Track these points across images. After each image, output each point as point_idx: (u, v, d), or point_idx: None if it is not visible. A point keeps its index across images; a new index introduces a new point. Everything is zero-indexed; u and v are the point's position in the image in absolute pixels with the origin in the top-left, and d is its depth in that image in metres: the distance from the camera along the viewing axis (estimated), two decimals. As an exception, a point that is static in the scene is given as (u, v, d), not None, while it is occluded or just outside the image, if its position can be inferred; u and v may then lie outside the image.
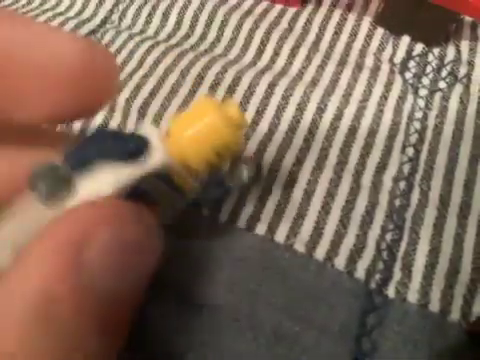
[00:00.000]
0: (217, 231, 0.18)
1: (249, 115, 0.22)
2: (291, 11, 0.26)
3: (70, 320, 0.12)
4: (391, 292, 0.18)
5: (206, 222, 0.19)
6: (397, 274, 0.18)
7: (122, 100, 0.23)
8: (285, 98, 0.22)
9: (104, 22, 0.27)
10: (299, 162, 0.20)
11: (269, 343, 0.17)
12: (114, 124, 0.22)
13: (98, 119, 0.22)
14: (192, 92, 0.22)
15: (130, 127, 0.22)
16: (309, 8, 0.26)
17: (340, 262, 0.18)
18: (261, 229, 0.19)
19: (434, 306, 0.18)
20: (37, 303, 0.12)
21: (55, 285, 0.12)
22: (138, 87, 0.23)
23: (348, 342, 0.17)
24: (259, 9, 0.26)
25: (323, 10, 0.26)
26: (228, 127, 0.14)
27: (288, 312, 0.17)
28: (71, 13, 0.27)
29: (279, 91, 0.22)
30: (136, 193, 0.13)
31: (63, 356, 0.12)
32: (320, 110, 0.22)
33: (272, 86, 0.22)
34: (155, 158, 0.13)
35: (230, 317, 0.17)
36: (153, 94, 0.23)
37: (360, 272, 0.18)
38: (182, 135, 0.14)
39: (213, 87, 0.22)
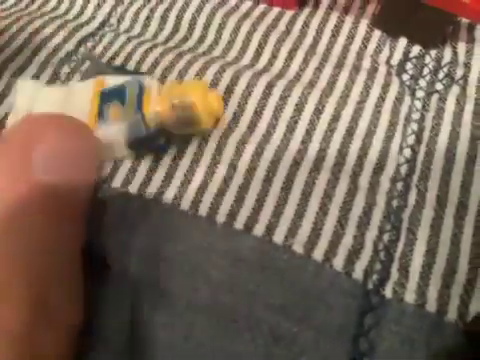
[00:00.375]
0: (215, 233, 0.18)
1: (247, 115, 0.22)
2: (288, 14, 0.26)
3: (30, 214, 0.15)
4: (388, 292, 0.18)
5: (204, 224, 0.19)
6: (394, 274, 0.18)
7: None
8: (283, 98, 0.22)
9: (102, 25, 0.27)
10: (297, 163, 0.21)
11: (267, 344, 0.17)
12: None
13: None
14: None
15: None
16: (306, 11, 0.26)
17: (338, 263, 0.19)
18: (259, 230, 0.19)
19: (431, 306, 0.18)
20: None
21: (15, 183, 0.15)
22: None
23: (346, 342, 0.17)
24: (257, 12, 0.26)
25: (320, 13, 0.26)
26: (207, 113, 0.20)
27: (286, 313, 0.17)
28: (70, 16, 0.27)
29: (277, 92, 0.22)
30: None
31: (27, 250, 0.14)
32: (318, 111, 0.22)
33: (270, 87, 0.22)
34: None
35: (229, 318, 0.17)
36: None
37: (358, 273, 0.18)
38: (168, 102, 0.20)
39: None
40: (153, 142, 0.20)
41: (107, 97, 0.20)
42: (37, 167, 0.15)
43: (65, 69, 0.24)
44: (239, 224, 0.19)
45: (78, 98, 0.21)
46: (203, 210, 0.20)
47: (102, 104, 0.20)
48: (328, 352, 0.17)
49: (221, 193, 0.20)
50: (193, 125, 0.20)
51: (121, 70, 0.23)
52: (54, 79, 0.24)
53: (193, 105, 0.19)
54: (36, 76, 0.24)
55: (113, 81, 0.21)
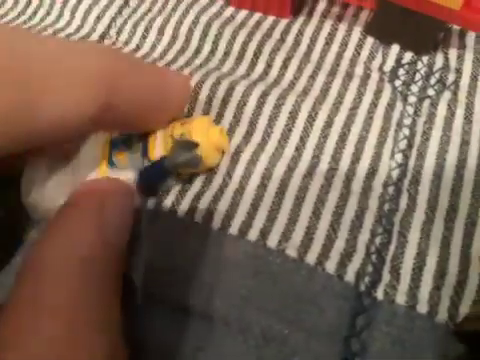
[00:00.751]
0: (210, 238, 0.19)
1: (242, 125, 0.22)
2: (283, 23, 0.27)
3: (102, 273, 0.16)
4: (380, 294, 0.19)
5: (199, 230, 0.20)
6: (386, 276, 0.19)
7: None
8: (277, 107, 0.23)
9: (102, 37, 0.27)
10: (290, 169, 0.21)
11: (258, 345, 0.17)
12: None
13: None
14: (190, 109, 0.23)
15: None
16: (301, 19, 0.27)
17: (330, 266, 0.19)
18: (253, 235, 0.20)
19: (422, 307, 0.18)
20: (78, 264, 0.15)
21: (90, 247, 0.16)
22: None
23: (337, 343, 0.18)
24: (252, 21, 0.27)
25: (314, 21, 0.26)
26: (211, 150, 0.20)
27: (278, 316, 0.18)
28: (70, 29, 0.28)
29: (271, 100, 0.23)
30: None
31: (98, 305, 0.16)
32: (311, 118, 0.22)
33: (264, 96, 0.23)
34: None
35: (221, 322, 0.18)
36: None
37: (350, 275, 0.19)
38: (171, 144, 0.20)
39: (207, 101, 0.23)
40: (163, 183, 0.21)
41: (116, 144, 0.20)
42: (109, 230, 0.17)
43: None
44: (234, 229, 0.20)
45: (88, 154, 0.21)
46: (198, 217, 0.20)
47: (111, 151, 0.20)
48: (319, 353, 0.17)
49: (216, 200, 0.21)
50: (198, 165, 0.20)
51: None
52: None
53: (196, 145, 0.20)
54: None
55: None
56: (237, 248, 0.19)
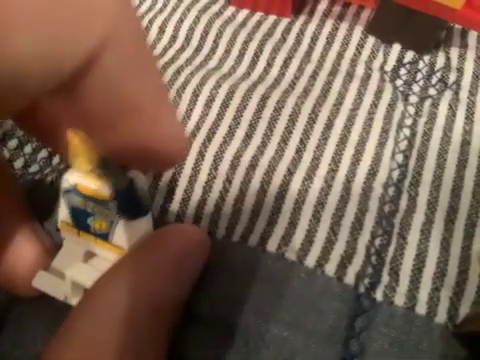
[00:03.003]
0: (213, 247, 0.19)
1: (242, 128, 0.23)
2: (284, 22, 0.27)
3: (165, 325, 0.16)
4: (379, 295, 0.19)
5: None
6: (385, 278, 0.19)
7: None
8: (277, 110, 0.23)
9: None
10: (290, 173, 0.21)
11: (257, 347, 0.18)
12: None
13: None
14: (189, 111, 0.23)
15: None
16: (302, 19, 0.27)
17: (330, 268, 0.19)
18: (253, 240, 0.20)
19: (421, 309, 0.19)
20: (146, 312, 0.16)
21: (161, 299, 0.16)
22: None
23: (337, 344, 0.18)
24: (253, 21, 0.27)
25: (315, 20, 0.26)
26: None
27: (277, 319, 0.18)
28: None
29: (271, 103, 0.23)
30: None
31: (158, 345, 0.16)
32: (311, 120, 0.22)
33: (265, 99, 0.23)
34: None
35: (220, 325, 0.18)
36: None
37: (350, 277, 0.19)
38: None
39: (207, 104, 0.23)
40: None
41: (81, 218, 0.17)
42: (184, 286, 0.17)
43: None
44: (236, 236, 0.20)
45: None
46: (203, 226, 0.20)
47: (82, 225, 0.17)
48: (319, 354, 0.18)
49: (219, 208, 0.21)
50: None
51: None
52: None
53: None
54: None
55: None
56: (237, 253, 0.20)
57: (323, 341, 0.18)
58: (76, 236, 0.18)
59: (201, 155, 0.22)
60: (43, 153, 0.23)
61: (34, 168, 0.23)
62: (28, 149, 0.23)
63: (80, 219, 0.17)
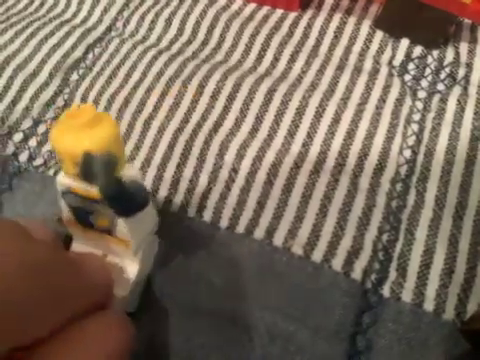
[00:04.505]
0: (218, 238, 0.19)
1: (249, 121, 0.22)
2: (292, 16, 0.26)
3: None
4: (386, 291, 0.19)
5: (208, 230, 0.20)
6: (392, 274, 0.19)
7: (128, 115, 0.24)
8: (284, 103, 0.22)
9: (109, 29, 0.27)
10: (297, 166, 0.21)
11: (263, 342, 0.18)
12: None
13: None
14: (194, 102, 0.23)
15: (134, 138, 0.23)
16: (309, 13, 0.26)
17: (337, 263, 0.19)
18: (259, 234, 0.20)
19: (428, 305, 0.18)
20: None
21: None
22: (142, 101, 0.24)
23: (343, 340, 0.18)
24: (260, 15, 0.27)
25: (323, 14, 0.26)
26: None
27: (283, 313, 0.18)
28: (77, 20, 0.28)
29: (278, 97, 0.23)
30: None
31: None
32: (318, 114, 0.22)
33: (271, 92, 0.23)
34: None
35: (228, 321, 0.18)
36: (157, 108, 0.23)
37: (357, 272, 0.19)
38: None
39: (214, 96, 0.23)
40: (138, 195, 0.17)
41: (83, 216, 0.17)
42: None
43: (74, 76, 0.25)
44: (241, 228, 0.20)
45: None
46: (207, 216, 0.20)
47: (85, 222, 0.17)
48: (325, 350, 0.17)
49: (223, 197, 0.21)
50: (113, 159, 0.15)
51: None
52: (64, 86, 0.25)
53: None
54: (46, 83, 0.25)
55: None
56: (243, 246, 0.19)
57: (330, 337, 0.18)
58: (81, 233, 0.17)
59: (207, 145, 0.22)
60: (47, 146, 0.23)
61: (38, 161, 0.23)
62: (33, 143, 0.23)
63: (82, 217, 0.17)
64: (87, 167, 0.15)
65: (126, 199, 0.16)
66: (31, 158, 0.23)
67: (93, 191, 0.15)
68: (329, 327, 0.18)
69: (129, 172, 0.16)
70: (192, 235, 0.20)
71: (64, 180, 0.16)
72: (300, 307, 0.18)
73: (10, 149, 0.23)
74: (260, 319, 0.18)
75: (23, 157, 0.23)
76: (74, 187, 0.16)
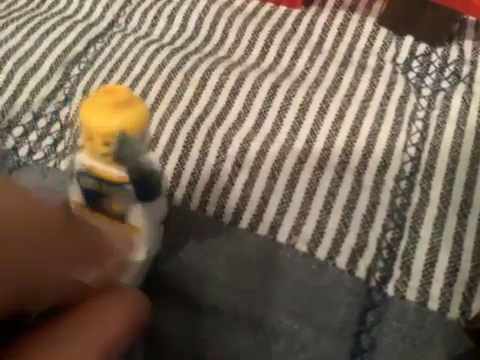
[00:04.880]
0: (221, 233, 0.19)
1: (252, 116, 0.22)
2: (295, 13, 0.26)
3: None
4: (390, 290, 0.18)
5: (211, 224, 0.20)
6: (397, 272, 0.19)
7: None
8: (288, 99, 0.22)
9: (111, 25, 0.27)
10: (301, 162, 0.21)
11: (268, 340, 0.17)
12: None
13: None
14: (196, 95, 0.23)
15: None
16: (313, 9, 0.26)
17: (341, 261, 0.19)
18: (263, 229, 0.19)
19: (433, 304, 0.18)
20: None
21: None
22: (144, 93, 0.24)
23: (347, 339, 0.17)
24: (263, 11, 0.26)
25: (327, 11, 0.26)
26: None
27: (287, 311, 0.18)
28: (79, 16, 0.28)
29: (282, 92, 0.22)
30: None
31: None
32: (322, 111, 0.22)
33: (275, 87, 0.22)
34: None
35: (230, 316, 0.18)
36: (159, 99, 0.23)
37: (361, 271, 0.19)
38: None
39: (217, 90, 0.23)
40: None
41: (95, 200, 0.16)
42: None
43: (75, 70, 0.25)
44: (244, 223, 0.20)
45: None
46: (210, 210, 0.20)
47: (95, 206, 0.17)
48: (329, 348, 0.17)
49: (227, 191, 0.20)
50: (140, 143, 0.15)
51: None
52: (64, 80, 0.25)
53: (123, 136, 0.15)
54: (47, 77, 0.25)
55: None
56: (247, 242, 0.19)
57: (334, 335, 0.17)
58: (88, 218, 0.17)
59: (209, 137, 0.22)
60: (48, 140, 0.23)
61: (39, 155, 0.22)
62: (33, 137, 0.23)
63: (93, 200, 0.16)
64: (121, 147, 0.14)
65: (150, 184, 0.16)
66: (31, 152, 0.23)
67: (113, 173, 0.15)
68: (333, 325, 0.18)
69: (150, 158, 0.15)
70: (194, 229, 0.20)
71: (85, 159, 0.15)
72: (304, 305, 0.18)
73: (10, 143, 0.23)
74: (264, 316, 0.18)
75: (23, 151, 0.23)
76: (96, 167, 0.15)
